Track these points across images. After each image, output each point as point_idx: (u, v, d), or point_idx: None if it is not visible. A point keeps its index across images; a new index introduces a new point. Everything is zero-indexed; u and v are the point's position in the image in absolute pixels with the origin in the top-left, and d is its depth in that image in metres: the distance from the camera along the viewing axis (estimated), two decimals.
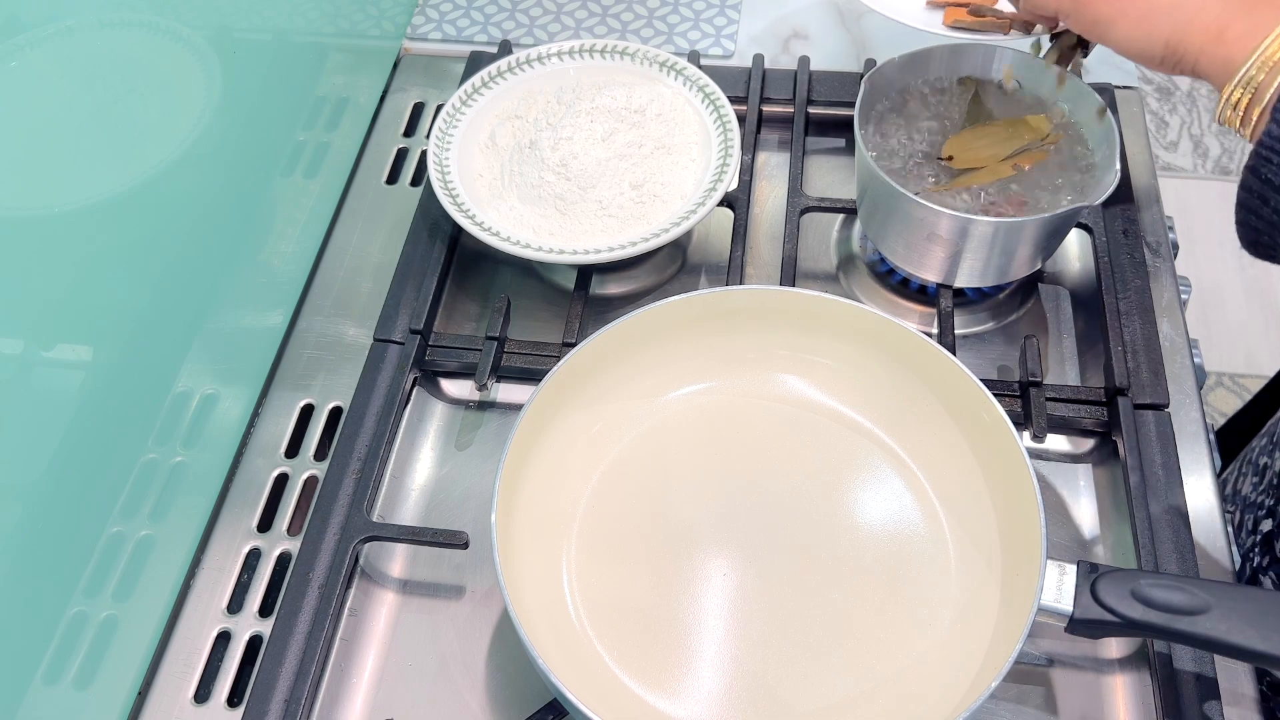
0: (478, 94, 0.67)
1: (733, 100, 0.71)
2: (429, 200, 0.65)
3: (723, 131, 0.64)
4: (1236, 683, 0.49)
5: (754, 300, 0.54)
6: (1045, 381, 0.56)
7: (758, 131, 0.70)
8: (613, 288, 0.65)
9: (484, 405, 0.60)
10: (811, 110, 0.71)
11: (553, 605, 0.49)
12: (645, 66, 0.67)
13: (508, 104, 0.67)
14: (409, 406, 0.59)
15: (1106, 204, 0.62)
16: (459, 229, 0.64)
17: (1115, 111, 0.60)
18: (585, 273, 0.62)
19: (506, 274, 0.65)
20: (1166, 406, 0.55)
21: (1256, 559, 0.61)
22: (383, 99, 0.74)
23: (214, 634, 0.52)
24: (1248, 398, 0.93)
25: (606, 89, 0.65)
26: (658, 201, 0.62)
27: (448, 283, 0.64)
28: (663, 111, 0.65)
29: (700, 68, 0.68)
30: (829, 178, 0.70)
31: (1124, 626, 0.44)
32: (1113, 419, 0.55)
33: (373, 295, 0.63)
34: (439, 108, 0.73)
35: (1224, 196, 1.63)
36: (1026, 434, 0.55)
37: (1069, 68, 0.60)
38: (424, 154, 0.71)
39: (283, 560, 0.54)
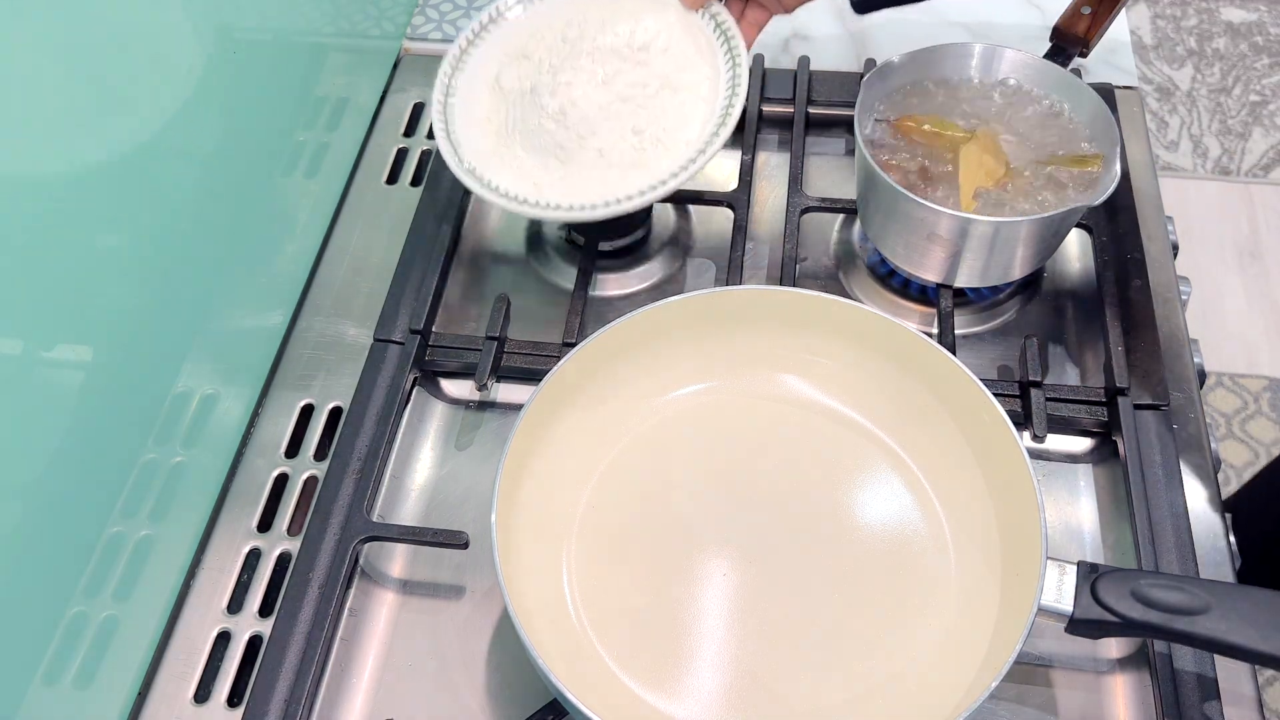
0: (486, 31, 0.62)
1: None
2: (429, 199, 0.65)
3: (731, 66, 0.58)
4: (1236, 683, 0.49)
5: (754, 300, 0.54)
6: (1045, 381, 0.56)
7: (758, 131, 0.70)
8: (613, 288, 0.65)
9: (484, 405, 0.60)
10: (811, 110, 0.71)
11: (553, 605, 0.49)
12: None
13: (516, 41, 0.62)
14: (409, 406, 0.59)
15: (1106, 204, 0.62)
16: (459, 229, 0.64)
17: (1115, 111, 0.60)
18: (585, 272, 0.62)
19: (506, 274, 0.65)
20: (1166, 406, 0.55)
21: None
22: (383, 99, 0.74)
23: (214, 634, 0.52)
24: (1248, 398, 0.91)
25: (612, 23, 0.60)
26: (660, 148, 0.58)
27: (448, 283, 0.64)
28: (670, 46, 0.60)
29: None
30: (829, 178, 0.70)
31: (1124, 626, 0.44)
32: (1113, 419, 0.55)
33: (373, 295, 0.63)
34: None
35: (1224, 196, 1.63)
36: (1026, 434, 0.55)
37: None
38: (425, 153, 0.71)
39: (283, 560, 0.54)
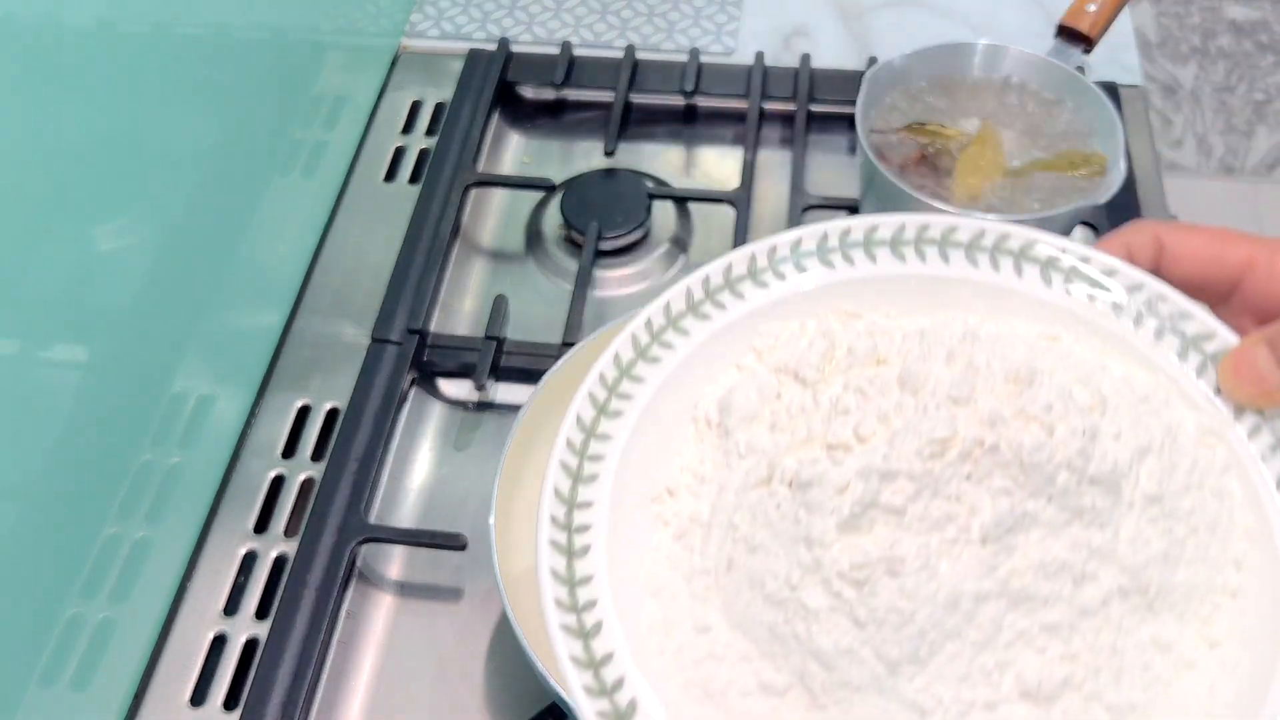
0: (716, 303, 0.32)
1: (733, 98, 0.71)
2: (427, 198, 0.65)
3: None
4: None
5: None
6: None
7: (759, 129, 0.69)
8: (613, 288, 0.64)
9: (482, 406, 0.59)
10: (813, 108, 0.70)
11: None
12: (1115, 315, 0.31)
13: (781, 343, 0.32)
14: (406, 407, 0.59)
15: (1111, 202, 0.62)
16: (457, 228, 0.63)
17: (1120, 110, 0.60)
18: (585, 272, 0.61)
19: (506, 273, 0.65)
20: None
21: None
22: (380, 97, 0.74)
23: (210, 636, 0.51)
24: None
25: (1054, 398, 0.29)
26: None
27: (446, 282, 0.64)
28: (1170, 496, 0.29)
29: (700, 65, 0.67)
30: (831, 176, 0.69)
31: None
32: None
33: (370, 295, 0.63)
34: (437, 105, 0.73)
35: (1228, 195, 1.63)
36: None
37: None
38: (423, 151, 0.71)
39: (279, 562, 0.53)
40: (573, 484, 0.30)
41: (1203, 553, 0.29)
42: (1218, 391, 0.30)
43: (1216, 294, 0.32)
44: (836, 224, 0.33)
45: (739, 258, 0.33)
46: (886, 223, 0.33)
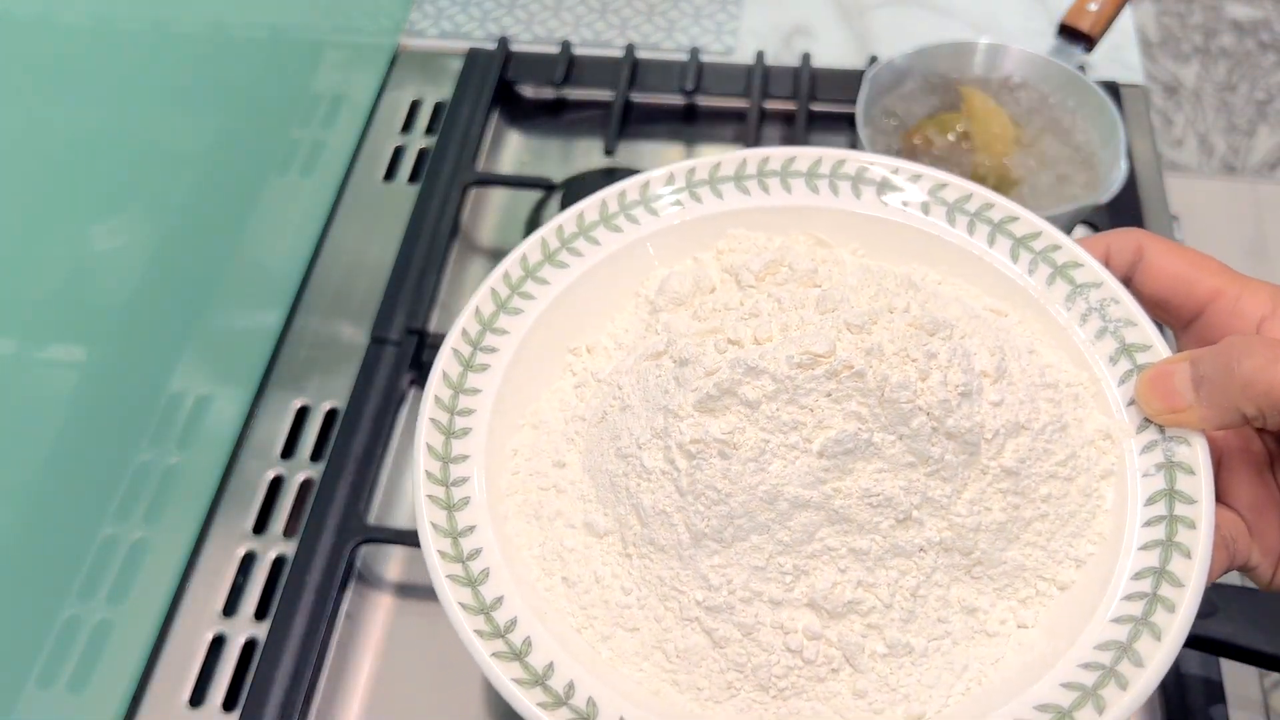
0: (562, 255, 0.35)
1: (733, 97, 0.71)
2: (426, 197, 0.65)
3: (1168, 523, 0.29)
4: (1243, 687, 0.48)
5: None
6: None
7: (759, 129, 0.69)
8: None
9: None
10: (814, 107, 0.70)
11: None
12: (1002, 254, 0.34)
13: (738, 250, 0.35)
14: (406, 407, 0.58)
15: (1112, 202, 0.62)
16: (456, 226, 0.63)
17: (1121, 109, 0.59)
18: None
19: None
20: None
21: None
22: (379, 96, 0.74)
23: (209, 637, 0.51)
24: None
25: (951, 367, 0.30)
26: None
27: (445, 281, 0.63)
28: (1033, 448, 0.30)
29: (700, 64, 0.67)
30: None
31: None
32: None
33: (369, 294, 0.62)
34: (437, 104, 0.73)
35: (1229, 195, 1.62)
36: None
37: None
38: (422, 151, 0.71)
39: (278, 563, 0.53)
40: (496, 310, 0.34)
41: (1044, 541, 0.30)
42: (1132, 401, 0.31)
43: (1180, 317, 0.33)
44: (845, 156, 0.37)
45: (730, 160, 0.37)
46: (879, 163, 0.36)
